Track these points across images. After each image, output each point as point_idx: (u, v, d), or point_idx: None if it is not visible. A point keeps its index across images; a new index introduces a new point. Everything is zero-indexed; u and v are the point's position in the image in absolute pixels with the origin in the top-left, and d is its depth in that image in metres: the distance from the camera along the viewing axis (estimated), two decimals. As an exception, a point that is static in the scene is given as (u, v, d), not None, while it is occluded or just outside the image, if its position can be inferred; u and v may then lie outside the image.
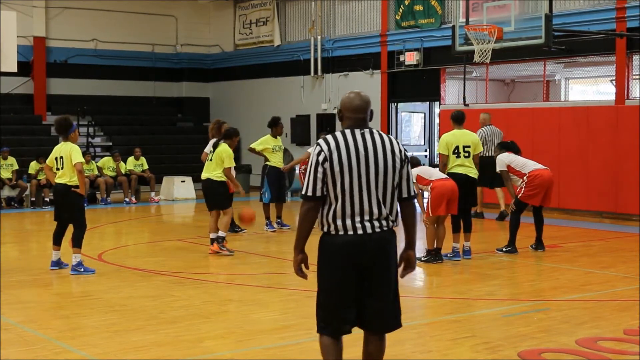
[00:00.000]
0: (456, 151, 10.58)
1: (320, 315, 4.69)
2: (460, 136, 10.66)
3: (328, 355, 4.68)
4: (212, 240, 11.10)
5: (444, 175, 10.40)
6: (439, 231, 10.37)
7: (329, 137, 4.60)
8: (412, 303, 8.26)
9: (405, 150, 4.69)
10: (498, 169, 11.30)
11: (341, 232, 4.52)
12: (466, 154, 10.59)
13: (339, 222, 4.51)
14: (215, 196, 11.14)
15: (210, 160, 11.18)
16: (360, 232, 4.51)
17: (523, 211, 11.24)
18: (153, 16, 24.81)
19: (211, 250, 11.08)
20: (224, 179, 11.08)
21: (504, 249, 11.14)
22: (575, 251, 11.66)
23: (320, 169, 4.51)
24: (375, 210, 4.53)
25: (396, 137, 19.76)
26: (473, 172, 10.66)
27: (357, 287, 4.59)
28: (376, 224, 4.53)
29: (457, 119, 10.84)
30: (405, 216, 4.70)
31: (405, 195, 4.66)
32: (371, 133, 4.61)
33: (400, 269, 4.81)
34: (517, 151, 11.43)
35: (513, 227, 11.17)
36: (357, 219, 4.50)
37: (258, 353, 6.26)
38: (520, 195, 11.08)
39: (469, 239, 10.72)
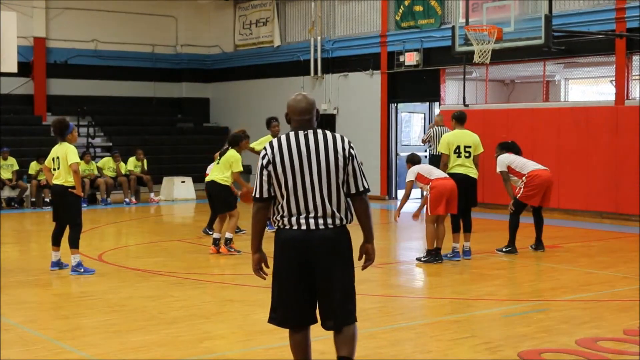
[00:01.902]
0: (457, 151, 10.59)
1: (272, 304, 4.87)
2: (461, 136, 10.67)
3: (295, 353, 4.88)
4: (215, 240, 11.12)
5: (444, 175, 10.40)
6: (439, 231, 10.37)
7: (274, 140, 4.76)
8: (412, 303, 8.26)
9: (351, 147, 4.73)
10: (498, 170, 11.29)
11: (287, 227, 4.72)
12: (467, 154, 10.61)
13: (286, 220, 4.71)
14: (219, 201, 11.21)
15: (218, 163, 11.22)
16: (304, 227, 4.67)
17: (522, 212, 11.25)
18: (153, 16, 24.81)
19: (212, 251, 11.10)
20: (228, 183, 11.13)
21: (503, 249, 11.15)
22: (575, 251, 11.66)
23: (265, 172, 4.72)
24: (320, 208, 4.66)
25: (396, 137, 19.80)
26: (473, 172, 10.67)
27: (309, 284, 4.74)
28: (321, 221, 4.66)
29: (459, 118, 10.86)
30: (357, 211, 4.79)
31: (353, 191, 4.73)
32: (315, 133, 4.71)
33: (361, 262, 4.92)
34: (517, 151, 11.43)
35: (512, 228, 11.17)
36: (302, 216, 4.67)
37: (258, 353, 6.26)
38: (519, 195, 11.09)
39: (469, 239, 10.73)
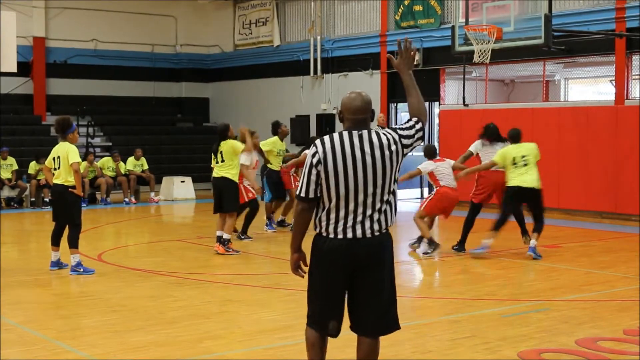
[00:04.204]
0: (515, 162, 10.59)
1: (309, 311, 4.73)
2: (518, 148, 10.72)
3: (311, 352, 4.73)
4: (219, 238, 11.12)
5: (453, 184, 10.80)
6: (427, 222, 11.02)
7: (326, 138, 4.53)
8: (411, 303, 8.26)
9: (399, 135, 4.55)
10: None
11: (332, 236, 4.48)
12: (524, 163, 10.59)
13: (331, 225, 4.48)
14: (229, 197, 11.10)
15: (223, 161, 11.12)
16: (350, 236, 4.46)
17: (478, 212, 11.35)
18: (153, 16, 24.81)
19: (217, 248, 11.09)
20: (236, 179, 11.12)
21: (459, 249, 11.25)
22: (575, 251, 11.66)
23: (314, 171, 4.46)
24: (369, 214, 4.47)
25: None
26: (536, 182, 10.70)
27: (348, 289, 4.59)
28: (367, 228, 4.47)
29: (514, 137, 10.86)
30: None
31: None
32: (369, 133, 4.50)
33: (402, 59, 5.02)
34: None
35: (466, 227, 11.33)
36: (350, 223, 4.45)
37: (258, 353, 6.26)
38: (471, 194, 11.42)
39: (537, 238, 10.75)
